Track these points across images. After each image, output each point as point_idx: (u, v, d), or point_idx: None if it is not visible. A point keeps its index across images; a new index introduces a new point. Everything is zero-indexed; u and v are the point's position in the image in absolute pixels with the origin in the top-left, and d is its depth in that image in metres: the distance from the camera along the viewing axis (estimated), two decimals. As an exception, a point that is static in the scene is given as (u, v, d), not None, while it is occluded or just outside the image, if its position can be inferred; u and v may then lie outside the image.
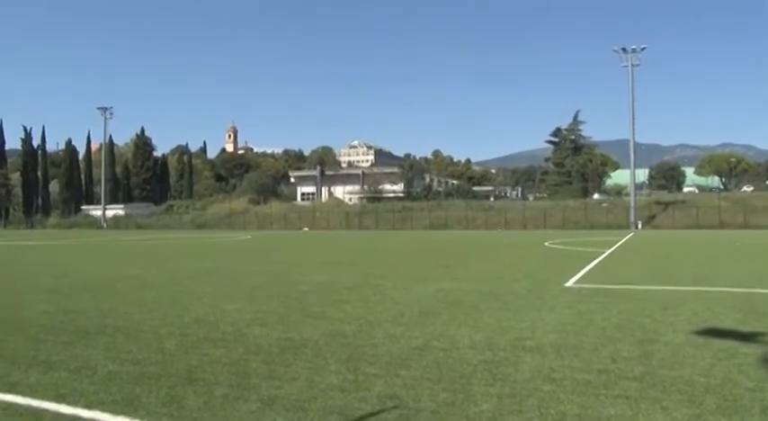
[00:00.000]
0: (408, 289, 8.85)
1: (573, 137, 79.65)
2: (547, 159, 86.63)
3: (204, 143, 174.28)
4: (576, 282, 9.67)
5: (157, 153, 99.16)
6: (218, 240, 31.44)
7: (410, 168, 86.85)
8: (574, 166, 76.32)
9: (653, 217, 51.09)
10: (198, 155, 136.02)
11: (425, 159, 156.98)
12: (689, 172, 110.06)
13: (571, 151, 78.17)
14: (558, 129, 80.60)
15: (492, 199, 79.41)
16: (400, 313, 6.65)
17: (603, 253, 17.33)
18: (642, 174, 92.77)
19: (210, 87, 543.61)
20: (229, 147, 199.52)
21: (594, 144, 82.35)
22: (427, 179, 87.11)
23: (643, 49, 50.84)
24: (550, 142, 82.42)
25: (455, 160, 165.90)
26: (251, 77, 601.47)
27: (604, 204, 56.72)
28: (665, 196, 64.17)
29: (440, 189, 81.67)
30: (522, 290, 8.62)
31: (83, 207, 78.28)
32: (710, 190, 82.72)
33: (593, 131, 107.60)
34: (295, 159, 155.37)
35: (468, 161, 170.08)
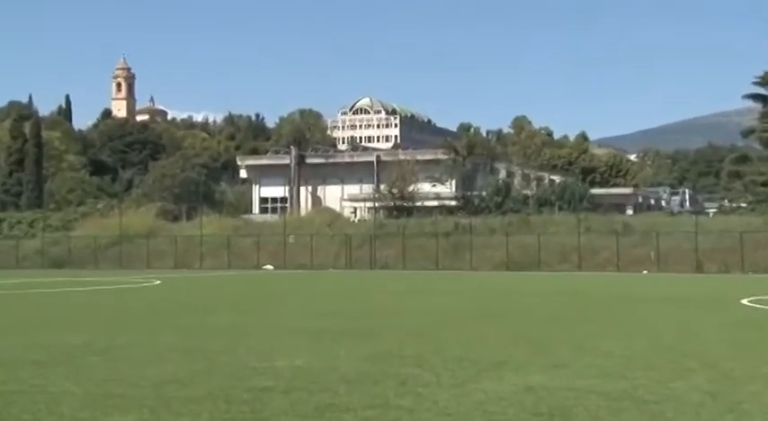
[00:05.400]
0: (466, 385, 8.83)
1: (806, 87, 78.84)
2: (747, 133, 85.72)
3: (67, 99, 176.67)
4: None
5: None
6: (96, 289, 31.68)
7: (469, 151, 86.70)
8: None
9: None
10: (55, 122, 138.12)
11: (498, 135, 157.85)
12: None
13: (802, 117, 77.42)
14: (773, 74, 79.46)
15: (630, 211, 79.19)
16: (451, 434, 6.62)
17: None
18: None
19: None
20: (119, 110, 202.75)
21: None
22: (502, 172, 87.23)
23: None
24: (755, 97, 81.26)
25: (555, 137, 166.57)
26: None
27: None
28: None
29: (527, 192, 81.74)
30: (695, 392, 8.53)
31: None
32: None
33: None
34: (249, 134, 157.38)
35: (584, 138, 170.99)
